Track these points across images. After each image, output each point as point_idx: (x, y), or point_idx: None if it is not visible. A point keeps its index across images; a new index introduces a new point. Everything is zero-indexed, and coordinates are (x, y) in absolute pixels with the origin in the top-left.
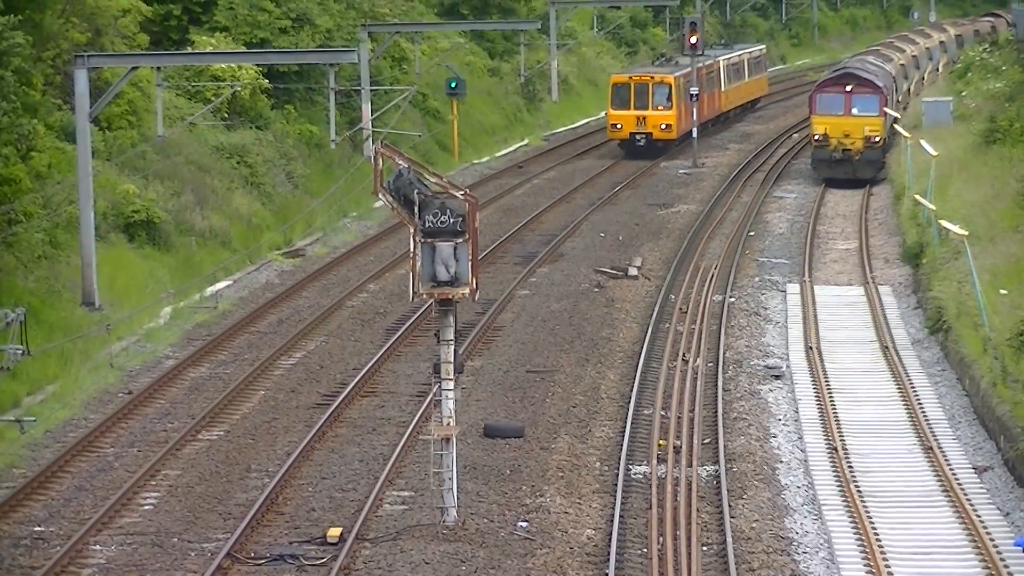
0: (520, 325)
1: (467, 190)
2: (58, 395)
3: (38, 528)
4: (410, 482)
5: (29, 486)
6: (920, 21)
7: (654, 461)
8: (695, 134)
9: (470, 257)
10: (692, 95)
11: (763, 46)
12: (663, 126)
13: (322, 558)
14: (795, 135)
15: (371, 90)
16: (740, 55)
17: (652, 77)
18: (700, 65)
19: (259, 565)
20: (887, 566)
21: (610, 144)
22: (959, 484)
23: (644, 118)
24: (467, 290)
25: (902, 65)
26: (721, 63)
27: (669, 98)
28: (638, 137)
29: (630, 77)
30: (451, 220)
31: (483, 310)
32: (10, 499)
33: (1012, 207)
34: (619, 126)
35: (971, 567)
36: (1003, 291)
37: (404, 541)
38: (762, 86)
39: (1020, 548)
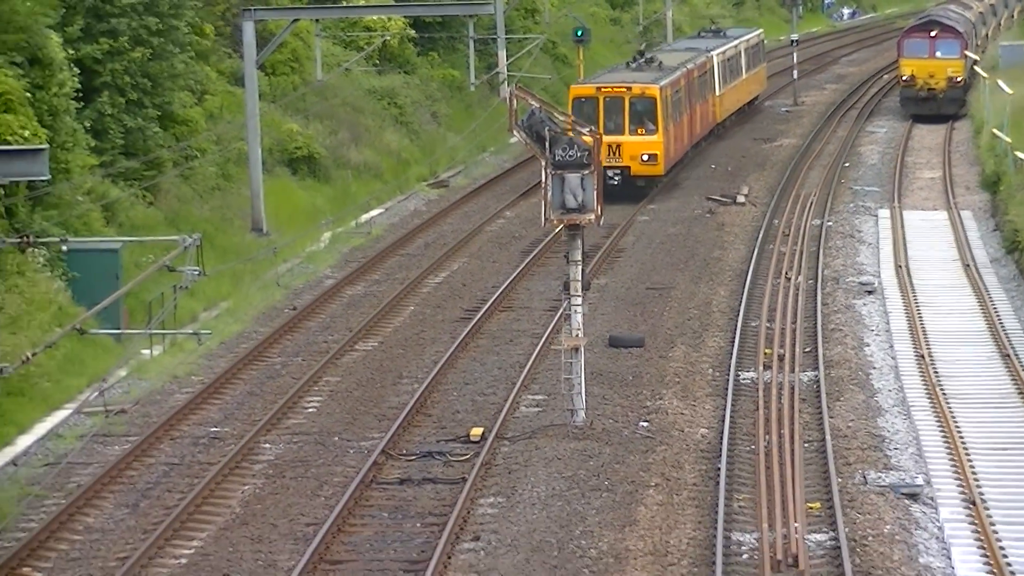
0: (640, 247)
1: (592, 127)
2: (231, 311)
3: (214, 429)
4: (543, 387)
5: (206, 391)
6: None
7: (760, 368)
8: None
9: (595, 187)
10: (678, 112)
11: (760, 30)
12: (645, 157)
13: (466, 454)
14: (885, 76)
15: (506, 38)
16: (736, 45)
17: (628, 88)
18: (691, 65)
19: (410, 461)
20: (969, 460)
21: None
22: None
23: (618, 147)
24: (592, 216)
25: (980, 13)
26: (715, 59)
27: (653, 117)
28: (610, 174)
29: (598, 88)
30: (578, 154)
31: (607, 234)
32: (189, 403)
33: None
34: None
35: None
36: None
37: (538, 439)
38: (761, 80)
39: None
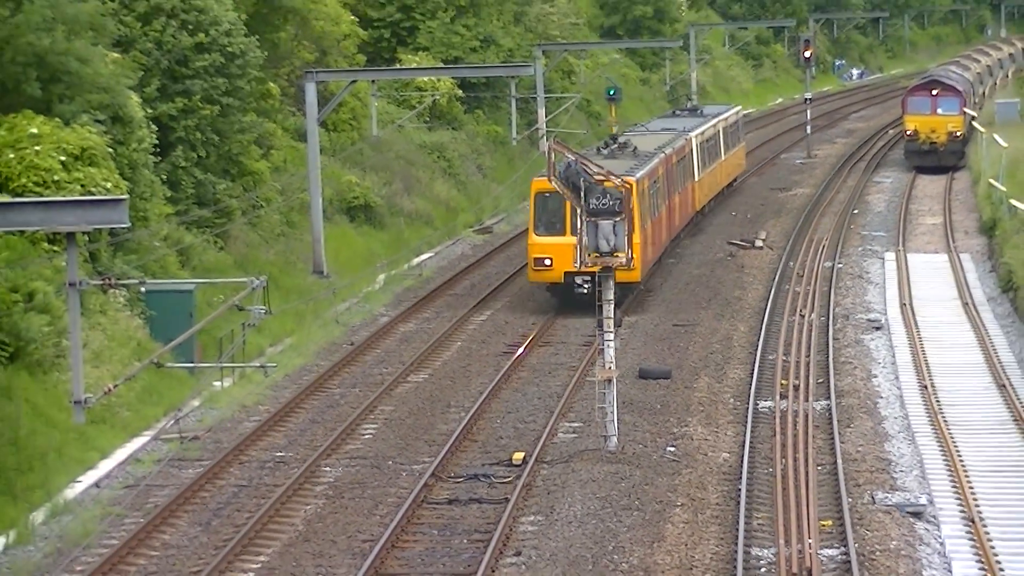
0: (667, 288)
1: (623, 177)
2: (294, 346)
3: (279, 453)
4: (579, 415)
5: (272, 419)
6: (992, 37)
7: (777, 397)
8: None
9: (626, 232)
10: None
11: (739, 107)
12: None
13: (508, 477)
14: (890, 131)
15: (544, 97)
16: (715, 124)
17: (600, 182)
18: (669, 151)
19: (458, 483)
20: (968, 481)
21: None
22: None
23: None
24: (622, 260)
25: (978, 73)
26: (694, 142)
27: (628, 215)
28: (579, 281)
29: None
30: (610, 202)
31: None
32: (257, 430)
33: None
34: (548, 262)
35: None
36: None
37: (574, 463)
38: (740, 161)
39: None
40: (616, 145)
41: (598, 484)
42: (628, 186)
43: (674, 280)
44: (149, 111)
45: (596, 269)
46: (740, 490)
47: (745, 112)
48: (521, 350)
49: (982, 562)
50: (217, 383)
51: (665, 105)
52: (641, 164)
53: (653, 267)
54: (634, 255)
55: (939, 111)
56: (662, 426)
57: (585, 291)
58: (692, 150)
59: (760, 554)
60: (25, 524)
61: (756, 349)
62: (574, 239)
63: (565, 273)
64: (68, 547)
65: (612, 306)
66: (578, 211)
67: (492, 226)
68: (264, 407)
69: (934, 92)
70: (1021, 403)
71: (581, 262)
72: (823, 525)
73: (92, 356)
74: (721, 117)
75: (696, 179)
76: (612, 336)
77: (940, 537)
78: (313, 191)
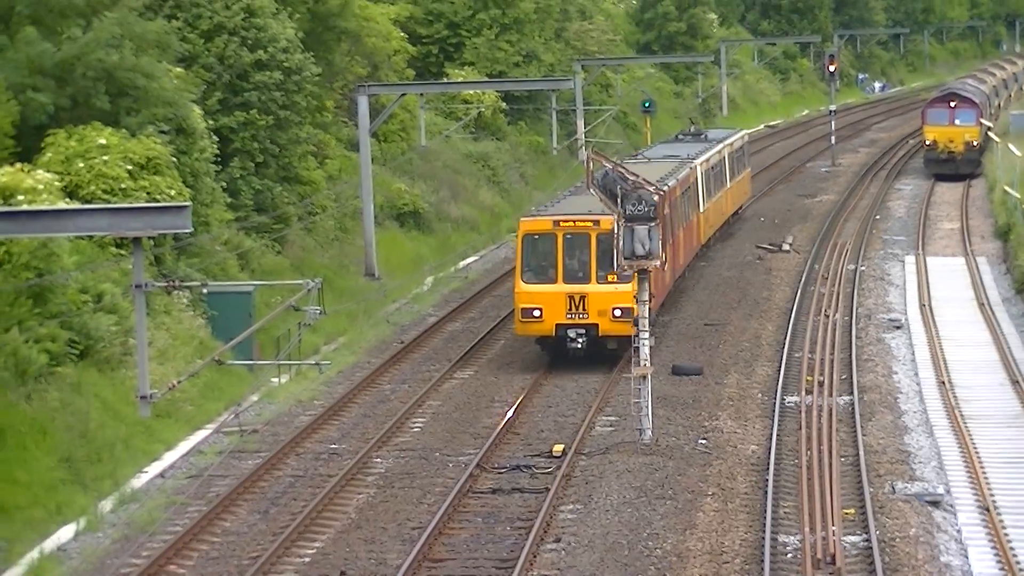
0: (699, 289)
1: (658, 184)
2: (347, 344)
3: (333, 445)
4: (615, 409)
5: (326, 414)
6: (1008, 52)
7: (803, 392)
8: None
9: (660, 237)
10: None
11: (744, 132)
12: (618, 312)
13: (549, 468)
14: (910, 141)
15: (583, 109)
16: (720, 150)
17: (596, 222)
18: (673, 182)
19: (501, 473)
20: (984, 472)
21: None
22: None
23: (582, 299)
24: (658, 262)
25: (994, 86)
26: (699, 170)
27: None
28: (573, 334)
29: (555, 222)
30: (645, 208)
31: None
32: (312, 424)
33: None
34: (537, 313)
35: None
36: None
37: (611, 454)
38: (745, 188)
39: None
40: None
41: (633, 475)
42: None
43: (705, 282)
44: (211, 123)
45: (592, 320)
46: (767, 480)
47: (773, 123)
48: (510, 412)
49: (996, 549)
50: (274, 379)
51: (697, 115)
52: None
53: (657, 310)
54: (634, 306)
55: (957, 122)
56: (694, 420)
57: (579, 346)
58: (697, 180)
59: (786, 540)
60: (94, 512)
61: (783, 347)
62: (567, 287)
63: (556, 325)
64: (134, 534)
65: (647, 306)
66: (615, 217)
67: None
68: (319, 402)
69: (952, 104)
70: None
71: (617, 266)
72: (846, 513)
73: (157, 354)
74: (726, 142)
75: (701, 210)
76: (647, 335)
77: (957, 525)
78: (365, 198)
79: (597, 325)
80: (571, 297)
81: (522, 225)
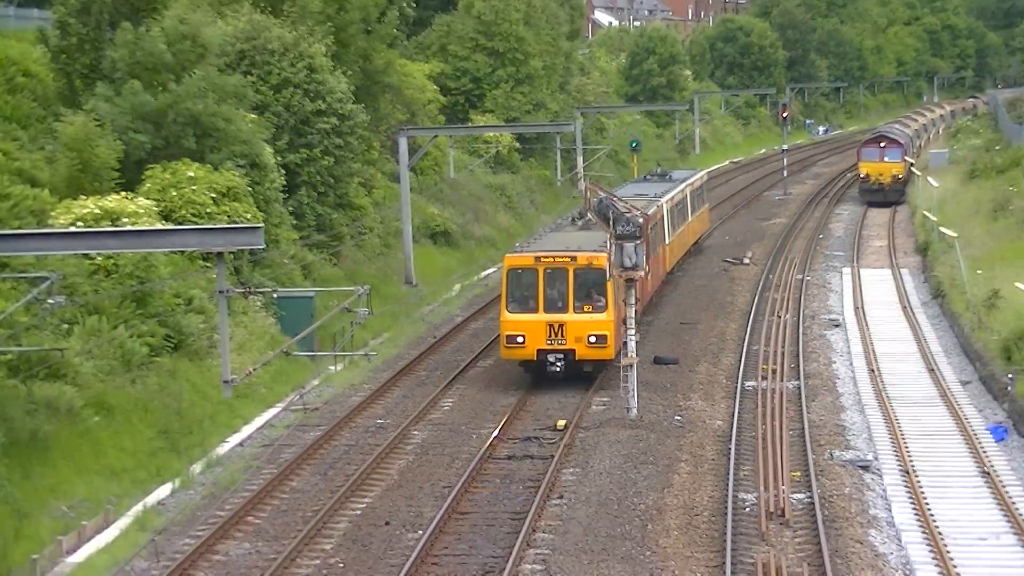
0: (675, 295)
1: (642, 210)
2: (390, 339)
3: (379, 421)
4: (608, 392)
5: (373, 395)
6: (927, 102)
7: (759, 378)
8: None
9: (645, 252)
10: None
11: (704, 172)
12: (592, 338)
13: (554, 439)
14: (848, 174)
15: (582, 148)
16: (683, 189)
17: (573, 258)
18: (642, 219)
19: (515, 443)
20: (905, 443)
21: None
22: (951, 392)
23: (561, 327)
24: (642, 273)
25: (916, 130)
26: (664, 207)
27: (602, 291)
28: (552, 358)
29: (537, 258)
30: (632, 229)
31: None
32: (362, 403)
33: (985, 219)
34: (520, 339)
35: (958, 444)
36: (979, 271)
37: (604, 428)
38: (704, 221)
39: (989, 431)
40: (582, 219)
41: (622, 444)
42: (600, 267)
43: (681, 289)
44: (280, 159)
45: (569, 345)
46: (730, 449)
47: (736, 159)
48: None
49: (915, 504)
50: (331, 367)
51: (674, 154)
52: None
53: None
54: (608, 335)
55: (885, 159)
56: (671, 400)
57: (558, 369)
58: (663, 216)
59: (745, 497)
60: (187, 474)
61: (744, 342)
62: (547, 316)
63: (538, 350)
64: (219, 491)
65: (634, 308)
66: (608, 236)
67: None
68: (367, 385)
69: (882, 144)
70: (946, 383)
71: (610, 275)
72: (793, 475)
73: (236, 347)
74: (688, 182)
75: (667, 242)
76: (634, 331)
77: (883, 485)
78: (404, 220)
79: (574, 350)
80: (551, 325)
81: (507, 261)
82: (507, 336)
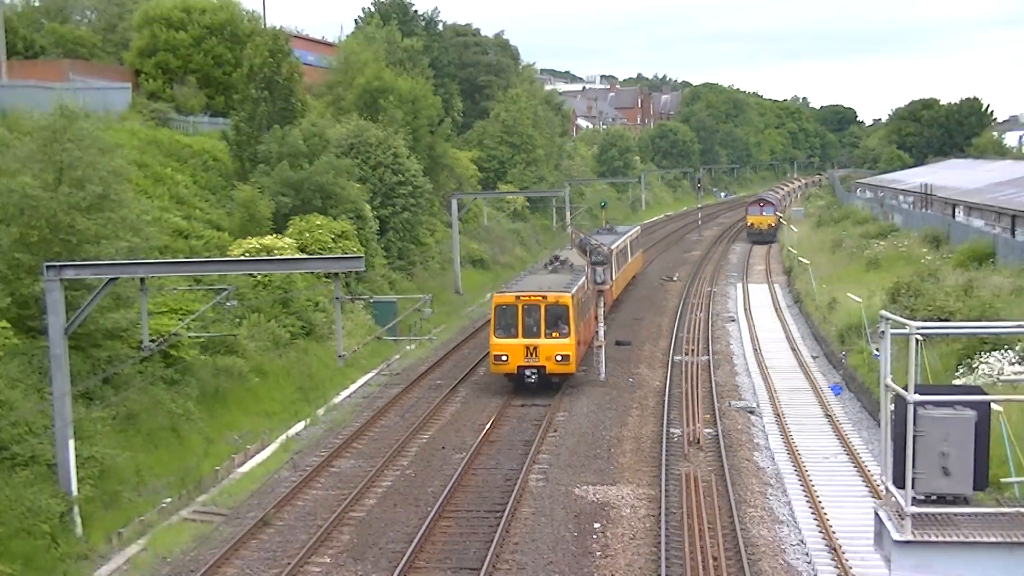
0: (630, 302)
1: (609, 246)
2: (445, 329)
3: (438, 381)
4: (587, 364)
5: (434, 365)
6: (790, 177)
7: (684, 354)
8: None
9: (611, 272)
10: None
11: (638, 227)
12: (558, 357)
13: (548, 403)
14: (739, 224)
15: (569, 206)
16: (625, 239)
17: (544, 297)
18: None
19: (525, 396)
20: (778, 396)
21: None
22: (806, 363)
23: (535, 348)
24: (610, 287)
25: (783, 195)
26: (613, 252)
27: (566, 321)
28: (528, 372)
29: (517, 297)
30: (601, 257)
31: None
32: (426, 371)
33: (827, 252)
34: (504, 358)
35: (811, 397)
36: (824, 286)
37: (583, 387)
38: (640, 263)
39: (830, 389)
40: (558, 262)
41: (595, 397)
42: (565, 304)
43: (633, 297)
44: (375, 213)
45: (541, 363)
46: (665, 400)
47: (669, 214)
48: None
49: (783, 435)
50: (408, 347)
51: (628, 209)
52: (575, 279)
53: (580, 364)
54: (571, 355)
55: (763, 213)
56: (627, 368)
57: (533, 381)
58: (612, 259)
59: (674, 432)
60: (314, 416)
61: (673, 331)
62: (525, 340)
63: (518, 367)
64: (335, 427)
65: (602, 311)
66: (586, 262)
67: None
68: (430, 359)
69: (761, 204)
70: (803, 357)
71: (588, 288)
72: (705, 417)
73: (346, 333)
74: (628, 234)
75: (613, 279)
76: (603, 324)
77: (763, 423)
78: (454, 252)
79: (545, 367)
80: (527, 347)
81: (495, 299)
82: (494, 355)
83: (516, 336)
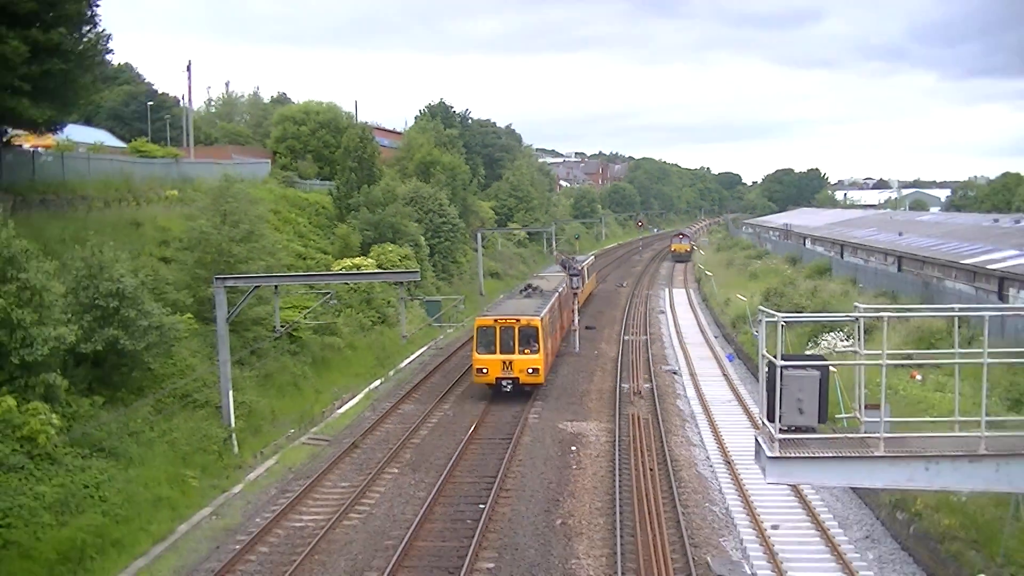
0: (594, 302)
1: (582, 263)
2: (471, 318)
3: (469, 352)
4: (567, 343)
5: (467, 342)
6: (699, 219)
7: (631, 335)
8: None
9: (585, 281)
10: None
11: (592, 255)
12: (530, 370)
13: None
14: (665, 250)
15: (555, 238)
16: (583, 265)
17: (518, 320)
18: (561, 288)
19: None
20: (692, 362)
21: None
22: (711, 340)
23: (510, 363)
24: (583, 290)
25: (695, 230)
26: (584, 267)
27: (536, 340)
28: (504, 383)
29: (495, 320)
30: (579, 270)
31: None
32: (460, 346)
33: (724, 268)
34: (485, 371)
35: (713, 363)
36: (721, 290)
37: (563, 357)
38: (594, 283)
39: (727, 357)
40: (531, 289)
41: (572, 364)
42: (535, 326)
43: (595, 299)
44: (427, 242)
45: (515, 375)
46: (618, 365)
47: (619, 243)
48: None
49: (696, 389)
50: (450, 330)
51: (595, 240)
52: (544, 302)
53: (553, 367)
54: (540, 368)
55: (682, 242)
56: (593, 344)
57: (509, 390)
58: (584, 272)
59: (624, 386)
60: (386, 376)
61: (623, 320)
62: (501, 356)
63: (496, 378)
64: (401, 383)
65: (577, 306)
66: (566, 274)
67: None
68: (462, 339)
69: (680, 236)
70: (708, 336)
71: (570, 288)
72: (644, 376)
73: (408, 322)
74: (585, 261)
75: (584, 284)
76: (577, 316)
77: (682, 381)
78: (479, 267)
79: (518, 378)
80: (504, 362)
81: (477, 321)
82: (476, 368)
83: (495, 352)
